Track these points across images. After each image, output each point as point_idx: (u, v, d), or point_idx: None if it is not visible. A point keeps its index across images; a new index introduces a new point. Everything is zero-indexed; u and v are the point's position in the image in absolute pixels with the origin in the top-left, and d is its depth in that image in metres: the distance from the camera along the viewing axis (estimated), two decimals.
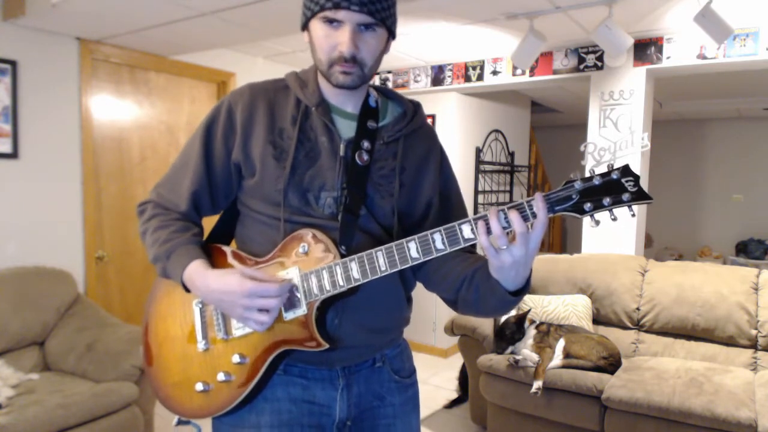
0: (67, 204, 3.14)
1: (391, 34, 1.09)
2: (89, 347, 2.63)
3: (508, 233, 0.90)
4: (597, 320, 3.20)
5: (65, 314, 2.83)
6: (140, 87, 3.50)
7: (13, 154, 2.89)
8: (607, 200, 0.89)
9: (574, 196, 0.90)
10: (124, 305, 3.49)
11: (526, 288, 0.99)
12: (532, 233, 0.89)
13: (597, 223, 0.91)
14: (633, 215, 0.90)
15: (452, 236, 0.94)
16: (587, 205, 0.90)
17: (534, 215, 0.89)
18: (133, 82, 3.46)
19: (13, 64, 2.85)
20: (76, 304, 2.89)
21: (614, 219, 0.92)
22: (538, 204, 0.88)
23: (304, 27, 1.08)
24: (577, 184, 0.90)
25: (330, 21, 1.00)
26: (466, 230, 0.93)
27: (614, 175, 0.89)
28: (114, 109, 3.38)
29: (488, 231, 0.90)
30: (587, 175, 0.91)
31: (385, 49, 1.09)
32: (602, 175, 0.90)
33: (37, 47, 2.95)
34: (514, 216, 0.88)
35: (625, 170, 0.89)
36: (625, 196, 0.89)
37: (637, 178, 0.89)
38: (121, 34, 3.07)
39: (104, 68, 3.31)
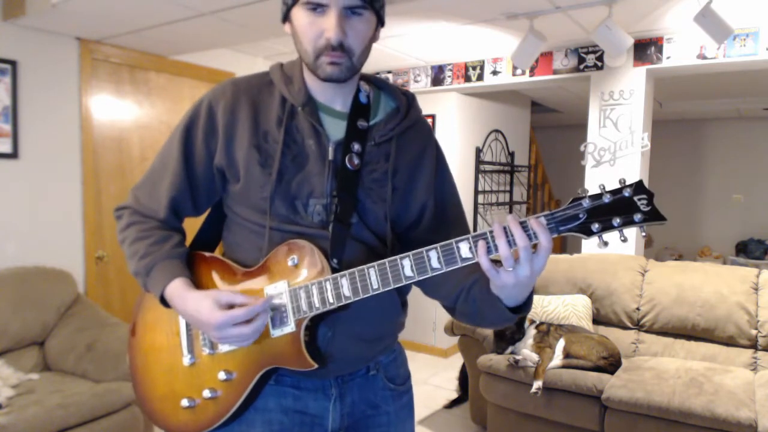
0: (67, 204, 3.14)
1: (380, 20, 1.02)
2: (89, 347, 2.63)
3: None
4: (597, 320, 3.20)
5: (65, 314, 2.83)
6: (140, 87, 3.50)
7: (13, 154, 2.89)
8: (617, 221, 0.82)
9: (581, 215, 0.84)
10: (124, 305, 3.49)
11: (527, 305, 0.95)
12: (536, 256, 0.84)
13: (605, 244, 0.84)
14: (644, 236, 0.84)
15: (449, 255, 0.88)
16: (595, 226, 0.83)
17: (536, 236, 0.84)
18: (133, 82, 3.46)
19: (13, 64, 2.85)
20: (76, 304, 2.89)
21: (624, 240, 0.84)
22: (539, 229, 0.83)
23: (285, 18, 1.01)
24: (585, 203, 0.83)
25: (314, 7, 0.93)
26: (464, 249, 0.87)
27: (626, 193, 0.82)
28: (114, 109, 3.38)
29: (488, 251, 0.85)
30: (596, 191, 0.84)
31: (375, 36, 1.02)
32: (613, 192, 0.83)
33: (37, 47, 2.95)
34: (516, 230, 0.83)
35: (639, 187, 0.82)
36: (637, 217, 0.82)
37: (651, 195, 0.82)
38: (121, 34, 3.07)
39: (104, 68, 3.31)
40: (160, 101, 3.63)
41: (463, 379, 3.53)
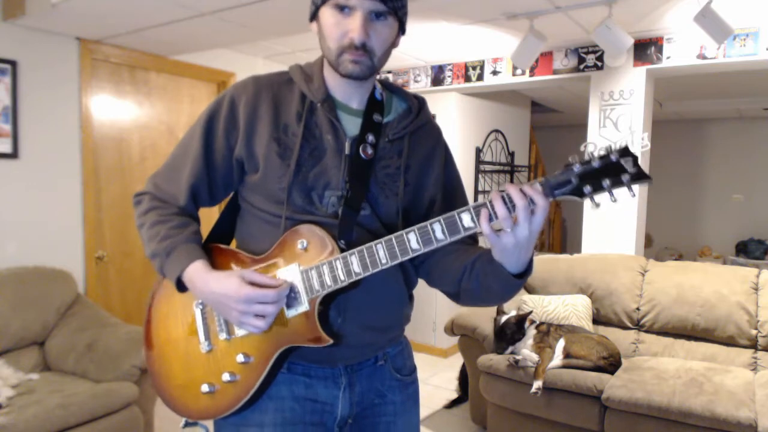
0: (67, 204, 3.14)
1: (402, 27, 1.07)
2: (89, 347, 2.63)
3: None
4: (597, 320, 3.20)
5: (65, 314, 2.83)
6: (140, 87, 3.50)
7: (13, 154, 2.89)
8: (606, 182, 0.88)
9: (573, 180, 0.89)
10: (124, 305, 3.49)
11: (528, 270, 0.98)
12: (534, 216, 0.89)
13: (597, 205, 0.91)
14: (633, 195, 0.89)
15: (452, 225, 0.93)
16: (587, 188, 0.89)
17: (533, 201, 0.89)
18: (133, 82, 3.47)
19: (13, 64, 2.84)
20: (76, 304, 2.89)
21: (614, 201, 0.91)
22: (534, 194, 0.88)
23: (313, 17, 1.06)
24: (576, 168, 0.89)
25: (341, 8, 0.99)
26: (466, 219, 0.93)
27: (613, 157, 0.88)
28: (114, 109, 3.38)
29: (489, 218, 0.90)
30: (586, 158, 0.90)
31: (395, 42, 1.07)
32: (601, 157, 0.89)
33: (37, 47, 2.95)
34: (514, 192, 0.88)
35: (624, 151, 0.88)
36: (625, 177, 0.88)
37: (635, 158, 0.88)
38: (121, 34, 3.07)
39: (104, 68, 3.31)
40: (160, 101, 3.63)
41: (463, 379, 3.53)
